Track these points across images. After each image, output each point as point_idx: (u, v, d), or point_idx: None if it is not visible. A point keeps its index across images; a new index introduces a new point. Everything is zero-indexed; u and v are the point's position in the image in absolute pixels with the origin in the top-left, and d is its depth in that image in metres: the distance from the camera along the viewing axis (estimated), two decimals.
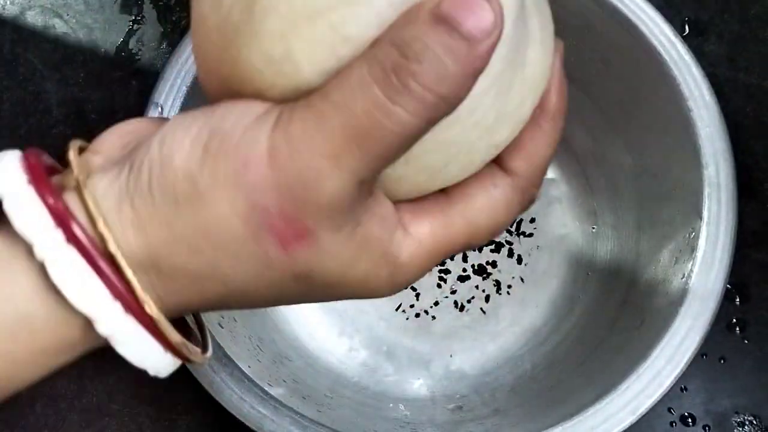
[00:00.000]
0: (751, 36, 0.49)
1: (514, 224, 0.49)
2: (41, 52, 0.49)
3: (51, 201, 0.21)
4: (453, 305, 0.48)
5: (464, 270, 0.49)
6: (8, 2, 0.50)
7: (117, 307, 0.22)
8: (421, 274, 0.25)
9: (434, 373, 0.47)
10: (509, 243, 0.49)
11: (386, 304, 0.48)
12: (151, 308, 0.22)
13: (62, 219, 0.21)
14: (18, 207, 0.21)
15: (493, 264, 0.49)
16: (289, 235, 0.21)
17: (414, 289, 0.49)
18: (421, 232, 0.24)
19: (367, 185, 0.22)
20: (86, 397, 0.44)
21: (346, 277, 0.23)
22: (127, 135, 0.25)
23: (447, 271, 0.49)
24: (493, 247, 0.49)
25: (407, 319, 0.48)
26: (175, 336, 0.23)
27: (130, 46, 0.49)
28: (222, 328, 0.39)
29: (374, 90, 0.20)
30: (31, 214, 0.21)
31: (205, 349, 0.26)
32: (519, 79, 0.23)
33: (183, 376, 0.37)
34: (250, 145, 0.21)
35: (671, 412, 0.44)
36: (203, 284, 0.22)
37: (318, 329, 0.48)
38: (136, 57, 0.49)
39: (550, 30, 0.25)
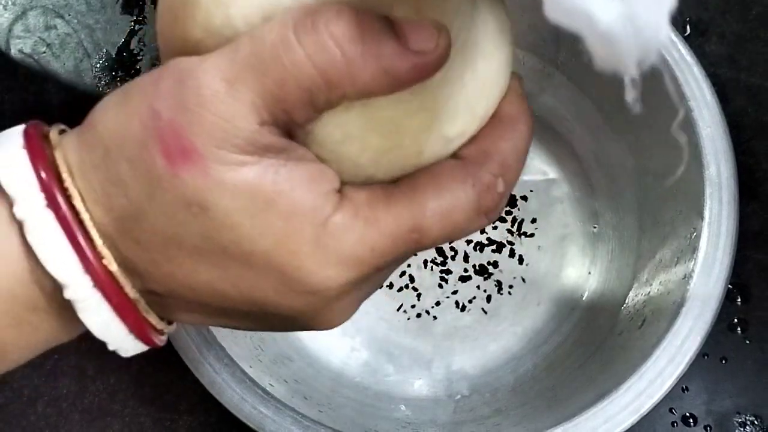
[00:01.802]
0: (752, 36, 0.49)
1: (516, 225, 0.49)
2: (42, 53, 0.49)
3: (39, 166, 0.22)
4: (454, 305, 0.48)
5: (465, 270, 0.49)
6: (10, 2, 0.50)
7: (86, 279, 0.22)
8: (367, 252, 0.22)
9: (435, 373, 0.47)
10: (510, 243, 0.49)
11: (387, 304, 0.48)
12: (129, 289, 0.23)
13: (47, 186, 0.22)
14: (7, 166, 0.22)
15: (495, 264, 0.49)
16: (174, 148, 0.21)
17: (415, 289, 0.49)
18: (358, 198, 0.22)
19: (272, 133, 0.21)
20: (87, 397, 0.44)
21: (255, 221, 0.21)
22: None
23: (448, 271, 0.49)
24: (494, 247, 0.49)
25: (408, 319, 0.48)
26: (147, 315, 0.24)
27: (132, 47, 0.49)
28: (223, 328, 0.39)
29: (287, 28, 0.20)
30: (18, 174, 0.22)
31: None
32: (470, 71, 0.23)
33: (184, 376, 0.37)
34: (173, 66, 0.22)
35: (673, 413, 0.44)
36: (111, 190, 0.22)
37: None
38: (138, 57, 0.49)
39: (507, 35, 0.25)
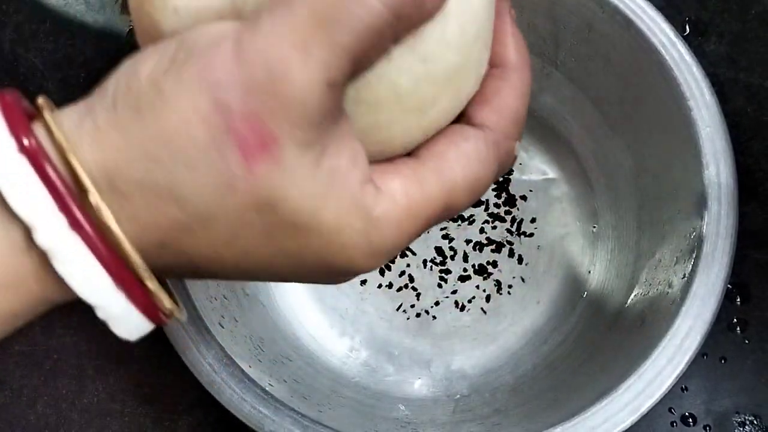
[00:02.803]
0: (751, 36, 0.49)
1: (515, 224, 0.49)
2: (42, 53, 0.49)
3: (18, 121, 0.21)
4: (454, 305, 0.48)
5: (465, 270, 0.49)
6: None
7: (77, 239, 0.20)
8: (403, 241, 0.23)
9: (435, 373, 0.47)
10: (510, 243, 0.49)
11: (387, 304, 0.49)
12: (135, 260, 0.21)
13: (32, 154, 0.20)
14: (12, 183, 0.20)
15: (494, 264, 0.49)
16: (252, 142, 0.19)
17: (415, 289, 0.49)
18: (394, 189, 0.22)
19: (336, 95, 0.20)
20: (87, 397, 0.44)
21: (316, 218, 0.21)
22: None
23: (448, 271, 0.49)
24: (493, 247, 0.49)
25: (408, 318, 0.48)
26: (150, 280, 0.21)
27: (131, 47, 0.49)
28: (222, 328, 0.39)
29: None
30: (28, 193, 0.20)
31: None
32: (455, 5, 0.23)
33: (183, 376, 0.37)
34: (216, 45, 0.20)
35: (672, 412, 0.44)
36: (159, 207, 0.20)
37: (319, 329, 0.48)
38: None
39: None
